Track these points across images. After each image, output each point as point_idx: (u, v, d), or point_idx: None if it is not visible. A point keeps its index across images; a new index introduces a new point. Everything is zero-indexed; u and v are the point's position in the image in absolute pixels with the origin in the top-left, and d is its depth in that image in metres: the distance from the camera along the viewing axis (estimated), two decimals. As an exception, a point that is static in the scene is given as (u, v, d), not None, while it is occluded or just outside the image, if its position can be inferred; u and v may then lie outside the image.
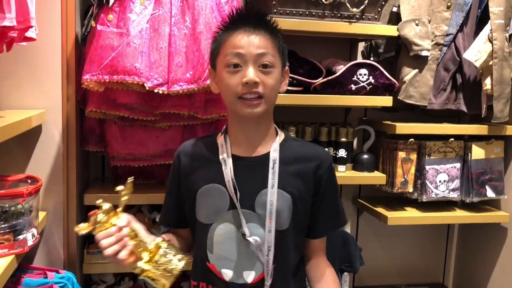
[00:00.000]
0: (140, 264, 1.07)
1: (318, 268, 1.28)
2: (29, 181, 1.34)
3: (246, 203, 1.16)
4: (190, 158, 1.24)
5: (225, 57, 1.11)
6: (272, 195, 1.14)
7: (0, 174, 1.40)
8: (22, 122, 1.28)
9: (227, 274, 1.18)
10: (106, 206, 1.06)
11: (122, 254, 1.03)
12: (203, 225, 1.19)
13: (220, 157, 1.18)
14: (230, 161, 1.17)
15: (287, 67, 1.21)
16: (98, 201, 1.06)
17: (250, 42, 1.09)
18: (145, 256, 1.08)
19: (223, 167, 1.17)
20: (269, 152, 1.18)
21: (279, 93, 1.18)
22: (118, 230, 1.04)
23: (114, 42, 1.46)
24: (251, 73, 1.08)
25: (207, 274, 1.20)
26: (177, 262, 1.11)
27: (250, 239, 1.14)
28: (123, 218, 1.06)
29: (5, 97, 1.49)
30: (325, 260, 1.30)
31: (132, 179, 1.09)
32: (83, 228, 1.05)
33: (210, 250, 1.19)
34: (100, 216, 1.05)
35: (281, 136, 1.23)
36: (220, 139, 1.22)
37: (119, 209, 1.08)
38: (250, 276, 1.17)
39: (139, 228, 1.10)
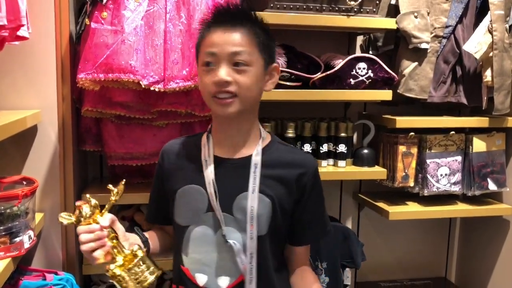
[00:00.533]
0: (112, 267, 1.06)
1: (304, 282, 1.23)
2: (25, 182, 1.32)
3: (224, 206, 1.13)
4: (174, 158, 1.23)
5: (201, 55, 1.11)
6: (253, 200, 1.11)
7: (-5, 175, 1.38)
8: (17, 123, 1.26)
9: (201, 278, 1.15)
10: (93, 201, 1.06)
11: (97, 253, 1.04)
12: (180, 227, 1.17)
13: (202, 158, 1.16)
14: (211, 162, 1.15)
15: (275, 64, 1.16)
16: (87, 196, 1.07)
17: (225, 40, 1.07)
18: (119, 260, 1.08)
19: (204, 169, 1.15)
20: (251, 155, 1.15)
21: (265, 91, 1.16)
22: (100, 228, 1.04)
23: (109, 39, 1.44)
24: (221, 72, 1.06)
25: (182, 278, 1.18)
26: (149, 275, 1.09)
27: (231, 242, 1.12)
28: (107, 218, 1.06)
29: (-1, 97, 1.47)
30: (311, 273, 1.26)
31: (124, 182, 1.10)
32: (66, 219, 1.06)
33: (185, 253, 1.17)
34: (86, 210, 1.06)
35: (266, 138, 1.20)
36: (203, 139, 1.20)
37: (105, 209, 1.08)
38: (225, 282, 1.14)
39: (121, 230, 1.10)
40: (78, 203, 1.07)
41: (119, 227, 1.10)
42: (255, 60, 1.09)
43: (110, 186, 1.11)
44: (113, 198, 1.10)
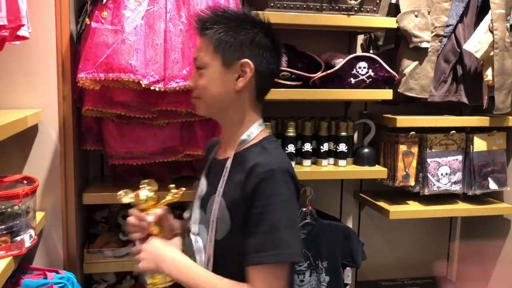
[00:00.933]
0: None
1: None
2: (25, 181, 1.32)
3: (203, 204, 1.17)
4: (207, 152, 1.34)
5: None
6: (216, 203, 1.09)
7: (-4, 175, 1.39)
8: (18, 122, 1.27)
9: None
10: (151, 193, 1.19)
11: (135, 235, 1.19)
12: None
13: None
14: (208, 161, 1.25)
15: (243, 60, 1.07)
16: (146, 187, 1.20)
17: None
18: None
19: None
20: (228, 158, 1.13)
21: (237, 88, 1.09)
22: (147, 224, 1.17)
23: (109, 39, 1.44)
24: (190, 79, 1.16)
25: None
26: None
27: (192, 237, 1.15)
28: (154, 215, 1.18)
29: (0, 97, 1.47)
30: None
31: (183, 190, 1.22)
32: (125, 197, 1.19)
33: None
34: (145, 194, 1.18)
35: (251, 141, 1.12)
36: None
37: (160, 203, 1.21)
38: None
39: (168, 226, 1.23)
40: (140, 191, 1.20)
41: (170, 223, 1.24)
42: (210, 61, 1.09)
43: (172, 186, 1.22)
44: (169, 197, 1.21)
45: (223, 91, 1.10)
